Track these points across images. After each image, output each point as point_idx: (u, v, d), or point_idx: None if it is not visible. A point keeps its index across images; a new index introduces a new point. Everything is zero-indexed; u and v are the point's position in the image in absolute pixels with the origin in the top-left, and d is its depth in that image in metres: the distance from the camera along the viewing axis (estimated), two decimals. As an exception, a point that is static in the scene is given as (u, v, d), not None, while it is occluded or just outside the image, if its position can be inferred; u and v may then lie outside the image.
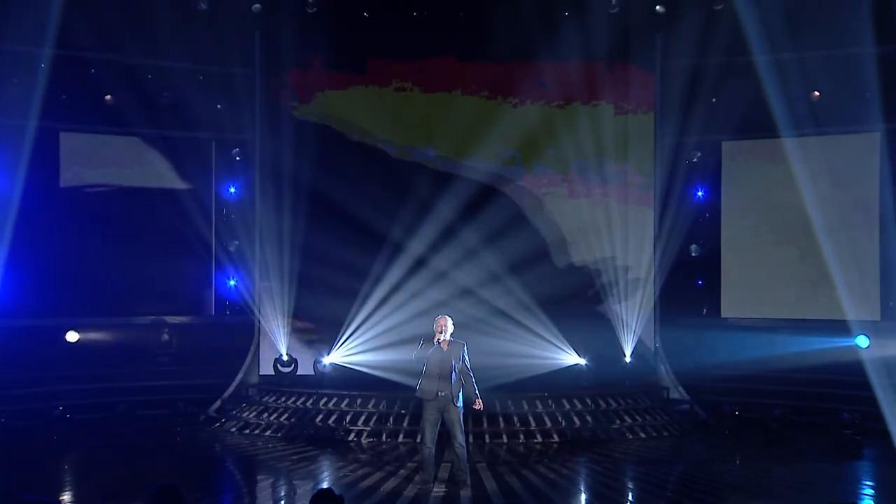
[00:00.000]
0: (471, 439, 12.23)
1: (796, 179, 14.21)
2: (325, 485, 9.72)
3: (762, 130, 14.58)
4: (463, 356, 9.24)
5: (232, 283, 15.87)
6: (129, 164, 15.17)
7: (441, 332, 9.14)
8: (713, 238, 15.75)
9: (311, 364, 15.03)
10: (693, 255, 15.75)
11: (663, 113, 15.44)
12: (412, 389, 9.63)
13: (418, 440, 10.33)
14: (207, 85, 15.10)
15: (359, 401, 13.39)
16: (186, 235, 15.23)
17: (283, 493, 9.64)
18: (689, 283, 15.86)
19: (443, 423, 9.25)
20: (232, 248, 15.71)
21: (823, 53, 14.15)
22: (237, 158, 15.78)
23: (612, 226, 15.45)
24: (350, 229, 15.01)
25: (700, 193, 15.88)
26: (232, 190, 15.91)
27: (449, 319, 9.29)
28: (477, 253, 15.05)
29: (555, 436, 12.75)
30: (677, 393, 14.91)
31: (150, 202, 15.22)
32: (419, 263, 14.96)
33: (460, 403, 9.20)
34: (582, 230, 15.46)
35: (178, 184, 15.38)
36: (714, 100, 15.04)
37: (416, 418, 12.01)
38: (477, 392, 9.29)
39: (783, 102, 13.81)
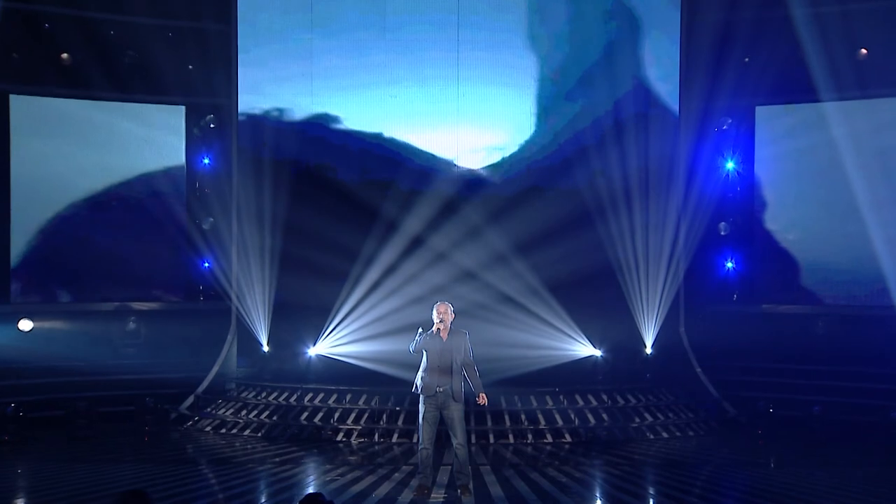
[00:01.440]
0: (473, 439, 12.35)
1: (839, 149, 14.14)
2: (311, 489, 9.73)
3: (801, 94, 14.52)
4: (465, 347, 9.18)
5: (206, 265, 15.87)
6: (89, 131, 15.08)
7: (441, 321, 9.08)
8: (745, 215, 15.74)
9: (295, 355, 15.06)
10: (722, 234, 15.75)
11: (688, 75, 15.35)
12: (408, 384, 9.58)
13: (415, 440, 10.28)
14: (177, 43, 15.01)
15: (348, 396, 13.38)
16: (154, 212, 15.22)
17: (264, 500, 9.58)
18: (718, 265, 15.88)
19: (442, 422, 9.21)
20: (206, 227, 15.69)
21: (871, 6, 14.01)
22: (211, 126, 15.72)
23: (632, 201, 15.41)
24: (339, 205, 15.05)
25: (730, 165, 15.83)
26: (206, 161, 15.86)
27: (449, 306, 9.23)
28: (480, 231, 15.04)
29: (567, 435, 12.75)
30: (704, 388, 14.91)
31: (113, 174, 15.13)
32: (416, 243, 14.97)
33: (462, 399, 9.15)
34: (598, 206, 15.43)
35: (145, 154, 15.31)
36: (746, 60, 14.96)
37: (413, 416, 12.03)
38: (481, 386, 9.24)
39: (825, 62, 13.68)
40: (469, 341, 9.21)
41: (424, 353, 9.11)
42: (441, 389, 9.04)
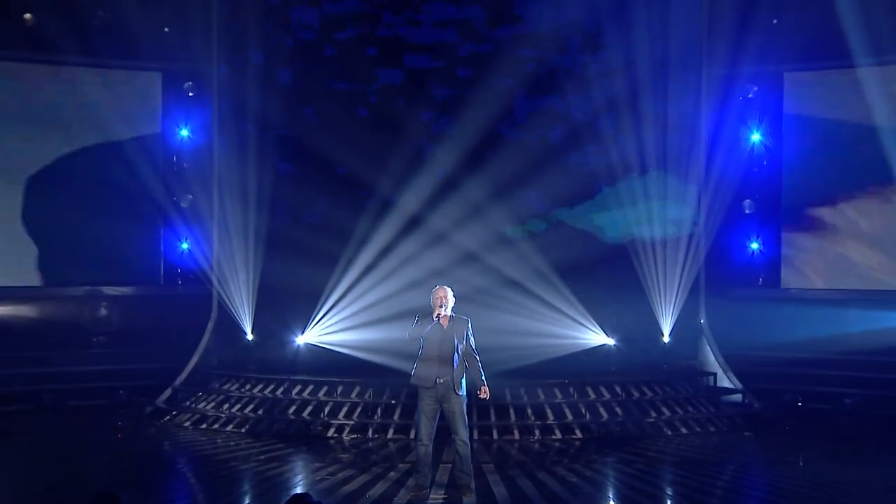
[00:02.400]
0: (476, 435, 12.28)
1: (876, 119, 14.07)
2: (299, 489, 9.69)
3: (834, 59, 14.44)
4: (467, 335, 9.15)
5: (185, 246, 15.86)
6: (56, 99, 14.99)
7: (441, 307, 9.04)
8: (772, 191, 15.69)
9: (282, 344, 15.08)
10: (747, 212, 15.72)
11: (711, 38, 15.25)
12: (404, 375, 9.55)
13: (412, 436, 10.27)
14: (152, 2, 14.86)
15: (339, 389, 13.38)
16: (128, 188, 15.15)
17: (248, 501, 9.55)
18: (742, 246, 15.87)
19: (442, 416, 9.18)
20: (185, 204, 15.66)
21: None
22: (190, 94, 15.65)
23: (649, 176, 15.39)
24: (329, 180, 15.09)
25: (756, 137, 15.75)
26: (184, 133, 15.80)
27: (449, 291, 9.19)
28: (483, 209, 15.05)
29: (577, 431, 12.75)
30: (727, 380, 14.92)
31: (83, 147, 15.08)
32: (413, 222, 15.01)
33: (463, 392, 9.12)
34: (611, 181, 15.42)
35: (117, 125, 15.21)
36: (774, 22, 14.85)
37: (410, 410, 12.12)
38: (483, 378, 9.20)
39: (861, 23, 13.56)
40: (471, 329, 9.16)
41: (422, 341, 9.07)
42: (441, 381, 9.01)
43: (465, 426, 9.12)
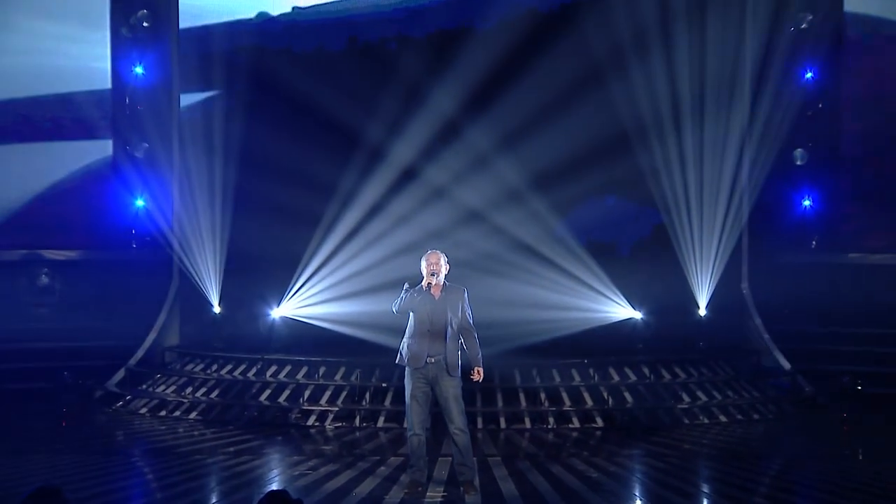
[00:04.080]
0: (480, 423, 12.35)
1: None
2: (274, 486, 9.62)
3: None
4: (462, 307, 9.12)
5: (140, 203, 15.83)
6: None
7: (432, 274, 9.02)
8: (829, 139, 15.71)
9: (255, 319, 15.18)
10: (798, 163, 15.72)
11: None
12: (396, 354, 9.44)
13: (405, 425, 10.18)
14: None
15: (321, 370, 13.42)
16: (72, 136, 15.17)
17: (214, 501, 9.50)
18: (793, 203, 15.91)
19: (434, 402, 9.17)
20: (139, 154, 15.61)
21: None
22: (145, 24, 15.51)
23: (683, 121, 15.36)
24: (310, 126, 15.11)
25: (809, 75, 15.74)
26: (139, 70, 15.70)
27: (442, 257, 9.15)
28: (489, 160, 15.08)
29: (598, 419, 12.76)
30: (773, 359, 14.92)
31: (17, 84, 15.04)
32: (407, 175, 15.06)
33: (458, 373, 9.09)
34: (638, 127, 15.39)
35: (58, 61, 15.11)
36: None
37: (403, 394, 12.00)
38: (480, 357, 9.19)
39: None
40: (468, 300, 9.13)
41: (412, 314, 9.04)
42: (432, 360, 8.99)
43: (461, 413, 9.07)
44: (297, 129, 15.08)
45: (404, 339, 9.13)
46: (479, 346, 9.19)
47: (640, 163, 15.37)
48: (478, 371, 9.15)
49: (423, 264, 9.07)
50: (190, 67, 15.33)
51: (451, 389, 8.99)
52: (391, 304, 9.15)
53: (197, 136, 15.23)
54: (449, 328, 8.98)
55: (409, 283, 9.12)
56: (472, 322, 9.15)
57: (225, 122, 15.15)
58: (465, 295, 9.14)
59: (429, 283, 8.98)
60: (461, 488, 9.10)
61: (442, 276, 9.05)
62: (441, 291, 9.04)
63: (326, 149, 14.97)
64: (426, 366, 8.98)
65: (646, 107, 15.34)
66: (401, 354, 9.14)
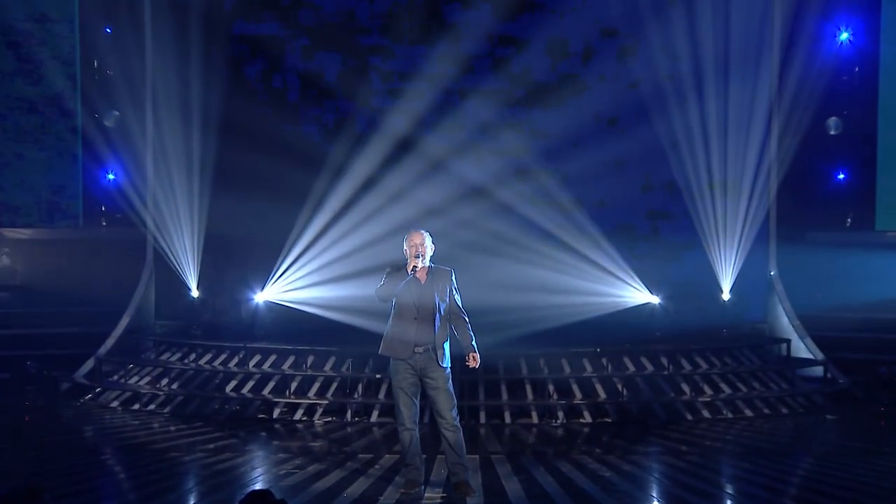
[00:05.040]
0: (483, 418, 12.39)
1: None
2: (258, 486, 9.61)
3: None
4: (450, 290, 9.11)
5: (110, 177, 15.85)
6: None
7: (417, 256, 8.99)
8: (865, 107, 15.67)
9: (236, 304, 15.28)
10: (832, 133, 15.70)
11: None
12: (385, 342, 9.60)
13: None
14: None
15: (310, 360, 13.42)
16: (35, 102, 15.18)
17: (193, 502, 9.48)
18: (825, 177, 15.90)
19: (423, 395, 9.14)
20: (109, 123, 15.61)
21: None
22: (115, -21, 15.49)
23: (705, 88, 15.30)
24: (297, 90, 15.20)
25: (845, 36, 15.70)
26: (107, 30, 15.68)
27: (427, 236, 9.13)
28: (492, 130, 15.09)
29: (611, 413, 12.79)
30: (803, 348, 14.94)
31: None
32: (403, 146, 15.04)
33: (447, 363, 9.08)
34: (657, 95, 15.36)
35: (14, 15, 15.17)
36: None
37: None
38: (474, 343, 9.13)
39: None
40: (456, 282, 9.14)
41: (396, 301, 9.03)
42: (420, 350, 8.98)
43: (452, 407, 9.06)
44: (285, 96, 15.13)
45: (388, 327, 9.12)
46: (472, 331, 9.15)
47: (658, 134, 15.33)
48: (473, 357, 9.12)
49: (406, 245, 9.05)
50: (165, 25, 15.23)
51: (442, 382, 8.96)
52: (373, 290, 9.08)
53: (173, 102, 15.18)
54: (437, 314, 8.96)
55: (391, 267, 9.09)
56: (461, 306, 9.13)
57: (204, 87, 15.10)
58: (454, 277, 9.13)
59: (413, 266, 8.93)
60: (458, 490, 9.06)
61: (427, 258, 9.03)
62: (427, 275, 9.02)
63: (316, 118, 15.08)
64: (413, 356, 8.95)
65: (665, 72, 15.34)
66: (384, 344, 9.12)
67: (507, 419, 12.57)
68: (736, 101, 15.28)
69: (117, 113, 15.56)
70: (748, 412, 13.03)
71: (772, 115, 15.41)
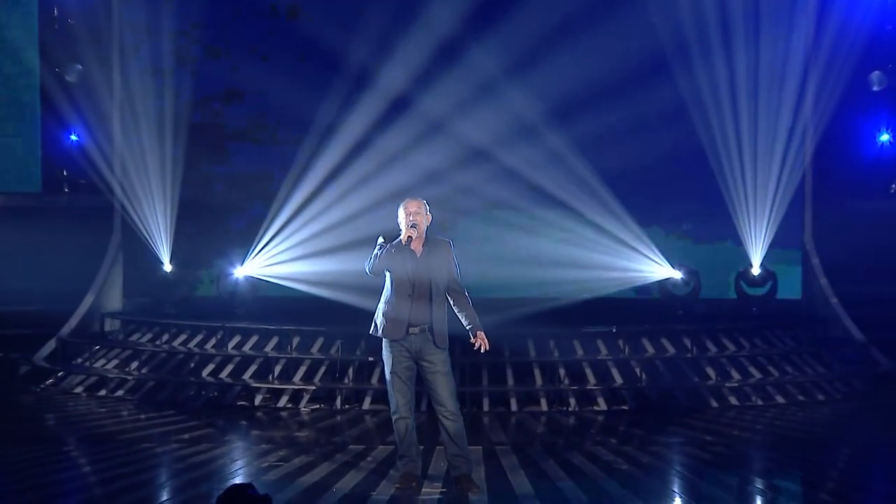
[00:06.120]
0: (486, 406, 12.40)
1: None
2: (238, 479, 9.59)
3: None
4: (450, 265, 9.07)
5: (73, 138, 15.86)
6: None
7: (412, 226, 8.94)
8: None
9: (214, 279, 15.42)
10: (875, 89, 15.71)
11: None
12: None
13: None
14: None
15: (295, 341, 13.44)
16: None
17: (165, 499, 9.43)
18: (868, 138, 15.88)
19: (418, 381, 9.14)
20: (72, 79, 15.57)
21: None
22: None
23: (733, 37, 15.23)
24: (281, 41, 15.24)
25: None
26: None
27: (424, 205, 9.05)
28: (497, 86, 15.02)
29: (628, 400, 12.82)
30: (842, 328, 14.96)
31: None
32: (399, 104, 15.03)
33: (446, 345, 9.04)
34: (679, 45, 15.33)
35: None
36: None
37: None
38: (478, 321, 9.07)
39: None
40: (455, 255, 9.10)
41: (388, 275, 9.01)
42: (416, 330, 8.95)
43: (452, 393, 9.05)
44: (267, 48, 15.16)
45: (380, 305, 9.09)
46: (473, 307, 9.10)
47: (680, 91, 15.30)
48: (481, 336, 9.05)
49: (401, 214, 8.98)
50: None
51: (440, 365, 8.94)
52: (364, 264, 9.05)
53: (143, 56, 15.19)
54: (434, 291, 8.93)
55: (384, 238, 9.05)
56: (460, 281, 9.10)
57: (176, 38, 15.14)
58: (453, 249, 9.10)
59: (409, 237, 8.88)
60: (459, 485, 9.03)
61: (424, 228, 8.99)
62: (423, 246, 8.98)
63: (302, 73, 15.01)
64: (408, 337, 8.93)
65: (688, 21, 15.26)
66: (376, 324, 9.10)
67: (514, 407, 12.59)
68: (767, 54, 15.26)
69: (80, 67, 15.52)
70: (780, 399, 13.07)
71: (807, 69, 15.39)
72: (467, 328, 9.01)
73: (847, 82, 15.25)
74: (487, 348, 9.08)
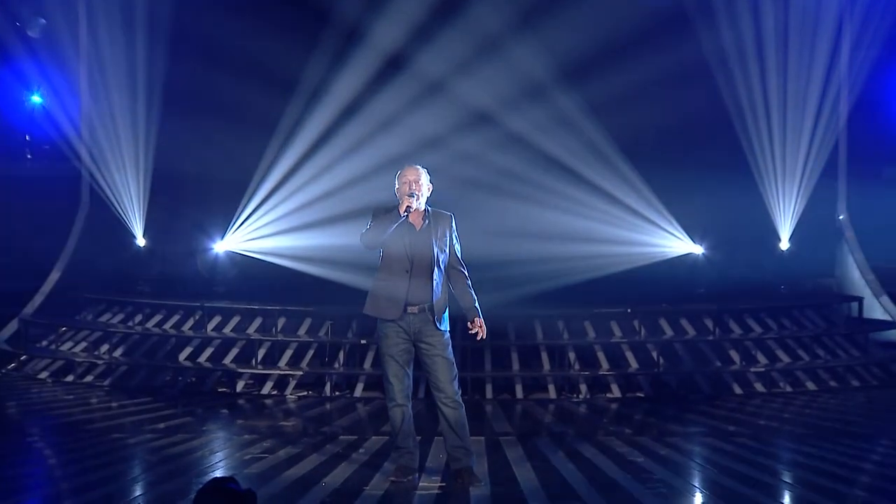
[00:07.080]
0: (490, 393, 12.49)
1: None
2: (219, 473, 9.67)
3: None
4: (450, 240, 9.11)
5: (36, 99, 15.90)
6: None
7: (411, 196, 8.95)
8: None
9: (192, 254, 15.46)
10: None
11: None
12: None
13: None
14: None
15: (280, 322, 13.52)
16: None
17: (139, 493, 9.43)
18: None
19: (416, 364, 9.16)
20: (34, 34, 15.55)
21: None
22: None
23: None
24: None
25: None
26: None
27: (424, 173, 9.11)
28: (501, 45, 15.01)
29: (644, 386, 12.89)
30: (879, 308, 15.04)
31: None
32: (393, 63, 15.06)
33: (446, 325, 9.07)
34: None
35: None
36: None
37: None
38: (477, 304, 9.12)
39: None
40: (456, 229, 9.13)
41: (384, 250, 9.05)
42: (414, 310, 8.98)
43: (453, 379, 9.07)
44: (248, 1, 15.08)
45: (375, 282, 9.11)
46: (473, 288, 9.14)
47: (703, 49, 15.29)
48: (479, 322, 9.08)
49: (398, 183, 9.01)
50: None
51: (440, 347, 8.96)
52: (359, 236, 9.05)
53: (112, 9, 15.16)
54: (435, 268, 8.94)
55: (378, 209, 9.07)
56: (461, 258, 9.13)
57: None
58: (454, 223, 9.11)
59: (407, 208, 8.88)
60: (459, 478, 9.06)
61: (424, 199, 9.00)
62: (423, 219, 9.00)
63: (287, 28, 14.94)
64: (405, 317, 8.94)
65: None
66: (370, 302, 9.11)
67: (519, 394, 12.66)
68: (798, 5, 15.25)
69: (43, 21, 15.52)
70: (811, 385, 13.12)
71: (842, 23, 15.39)
72: (465, 312, 9.04)
73: (885, 38, 15.30)
74: (485, 336, 9.11)
